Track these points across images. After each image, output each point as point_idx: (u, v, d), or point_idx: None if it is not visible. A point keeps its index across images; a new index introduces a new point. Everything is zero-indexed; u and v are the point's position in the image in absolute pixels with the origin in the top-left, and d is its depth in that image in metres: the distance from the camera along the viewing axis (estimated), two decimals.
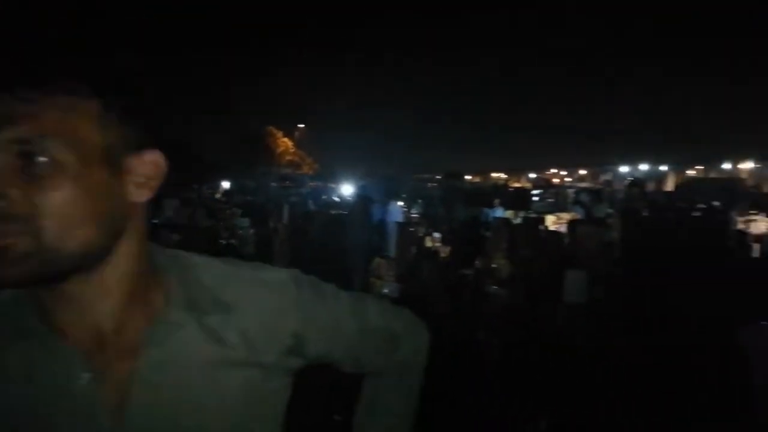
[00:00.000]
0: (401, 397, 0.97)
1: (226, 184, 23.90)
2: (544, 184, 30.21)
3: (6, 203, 0.56)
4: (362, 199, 11.43)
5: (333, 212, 9.84)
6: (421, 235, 10.23)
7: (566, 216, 10.80)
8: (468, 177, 38.54)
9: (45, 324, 0.66)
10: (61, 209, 0.58)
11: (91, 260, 0.63)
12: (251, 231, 10.36)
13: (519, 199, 17.27)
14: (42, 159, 0.57)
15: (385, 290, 4.88)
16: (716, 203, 13.34)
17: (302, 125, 40.29)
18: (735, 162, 30.80)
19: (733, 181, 24.32)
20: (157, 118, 0.70)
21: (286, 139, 38.49)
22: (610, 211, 11.48)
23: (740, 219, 11.47)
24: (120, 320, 0.68)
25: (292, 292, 0.78)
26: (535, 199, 18.58)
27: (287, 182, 26.35)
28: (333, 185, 23.07)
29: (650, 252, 7.42)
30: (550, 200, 18.00)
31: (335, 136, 40.66)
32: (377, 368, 0.94)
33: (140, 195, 0.66)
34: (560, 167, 44.23)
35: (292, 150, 38.66)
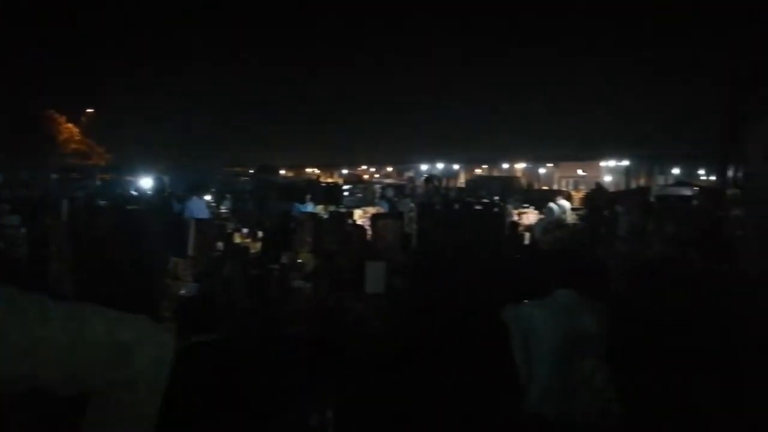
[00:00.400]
0: (132, 420, 0.84)
1: None
2: (354, 179, 31.49)
3: None
4: (160, 193, 10.61)
5: (126, 208, 8.92)
6: (229, 231, 9.87)
7: (372, 210, 11.38)
8: (282, 172, 38.34)
9: None
10: None
11: None
12: (22, 230, 8.87)
13: (330, 194, 17.77)
14: None
15: (182, 291, 4.56)
16: (496, 198, 15.33)
17: (91, 109, 35.52)
18: (511, 162, 35.82)
19: (510, 178, 28.28)
20: None
21: (70, 125, 33.60)
22: (413, 205, 12.43)
23: (515, 211, 13.38)
24: None
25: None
26: (346, 194, 19.28)
27: (73, 174, 23.14)
28: (129, 178, 20.93)
29: (442, 242, 8.22)
30: (359, 195, 18.83)
31: (132, 123, 36.74)
32: (101, 388, 0.82)
33: None
34: (370, 164, 46.50)
35: (78, 137, 33.90)
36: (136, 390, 0.82)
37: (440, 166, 36.51)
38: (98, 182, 21.11)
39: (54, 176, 20.63)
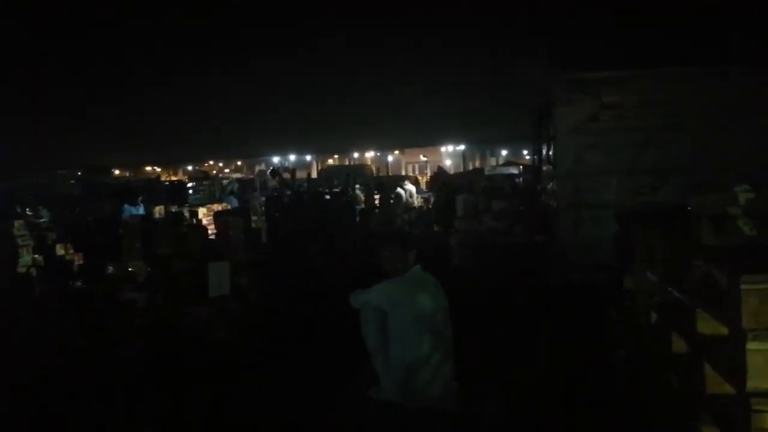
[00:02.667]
0: None
1: None
2: (200, 175, 29.67)
3: None
4: None
5: None
6: (50, 242, 8.68)
7: (217, 207, 10.78)
8: (117, 172, 34.74)
9: None
10: None
11: None
12: None
13: (173, 194, 16.50)
14: None
15: None
16: (347, 186, 15.45)
17: None
18: (361, 151, 36.59)
19: (361, 166, 28.84)
20: None
21: None
22: (263, 199, 12.03)
23: (363, 198, 13.66)
24: None
25: None
26: (191, 192, 18.07)
27: None
28: None
29: (292, 234, 8.07)
30: (204, 192, 17.77)
31: None
32: None
33: None
34: (218, 159, 44.20)
35: None
36: None
37: (292, 157, 36.00)
38: None
39: None
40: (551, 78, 5.89)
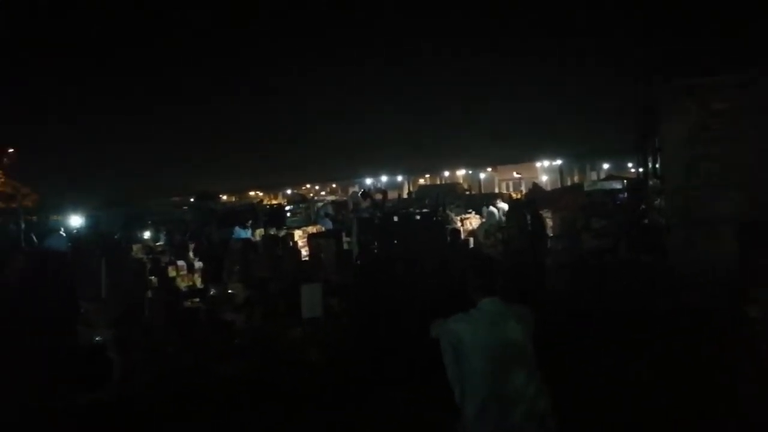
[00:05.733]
0: None
1: None
2: (298, 199, 31.00)
3: None
4: (93, 231, 10.07)
5: (37, 251, 8.34)
6: (163, 265, 9.39)
7: (312, 229, 11.13)
8: (224, 197, 37.30)
9: None
10: None
11: None
12: None
13: (274, 217, 17.33)
14: None
15: (98, 338, 4.20)
16: (439, 206, 15.38)
17: (12, 150, 33.53)
18: (452, 169, 36.35)
19: (452, 185, 28.64)
20: None
21: None
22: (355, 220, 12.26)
23: (458, 217, 13.46)
24: None
25: None
26: (289, 215, 18.88)
27: None
28: (57, 218, 19.73)
29: (382, 255, 8.07)
30: (301, 214, 18.47)
31: (59, 161, 34.90)
32: None
33: None
34: (314, 182, 46.04)
35: (1, 180, 31.94)
36: None
37: (384, 178, 36.59)
38: (23, 224, 19.81)
39: None
40: (656, 86, 5.48)
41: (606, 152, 27.65)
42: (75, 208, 19.90)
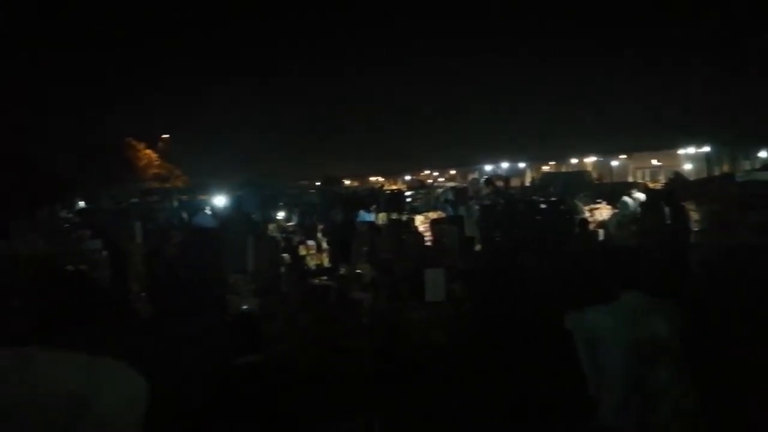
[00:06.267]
0: None
1: (82, 203, 21.63)
2: (417, 185, 31.34)
3: None
4: (237, 210, 11.11)
5: (196, 227, 9.32)
6: (294, 244, 10.08)
7: (433, 215, 11.23)
8: (347, 182, 38.87)
9: None
10: None
11: None
12: (104, 253, 9.47)
13: (393, 202, 17.76)
14: None
15: (244, 306, 4.65)
16: (565, 195, 14.67)
17: (166, 135, 37.82)
18: (580, 156, 34.34)
19: (579, 173, 27.06)
20: None
21: (149, 152, 35.89)
22: (477, 207, 12.18)
23: (586, 208, 12.75)
24: None
25: None
26: (409, 200, 19.18)
27: (153, 197, 24.54)
28: (204, 197, 21.90)
29: (505, 243, 7.94)
30: (421, 200, 18.69)
31: (205, 146, 38.72)
32: None
33: None
34: (433, 168, 46.23)
35: (157, 162, 36.15)
36: None
37: (505, 165, 35.66)
38: (176, 203, 22.25)
39: (134, 200, 21.97)
40: None
41: (763, 139, 24.40)
42: (219, 188, 21.94)
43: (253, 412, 2.20)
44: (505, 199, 11.11)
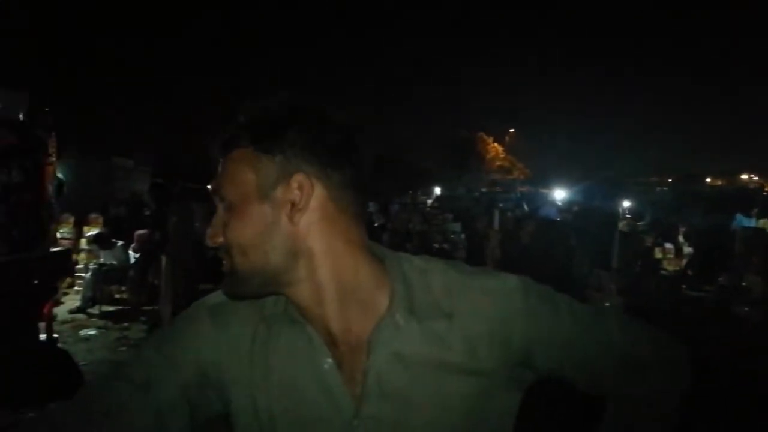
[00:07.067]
0: (652, 423, 0.86)
1: (437, 190, 24.77)
2: None
3: (219, 239, 0.75)
4: (587, 205, 10.92)
5: (545, 217, 9.48)
6: (648, 245, 9.21)
7: None
8: (708, 180, 33.35)
9: (301, 315, 0.78)
10: (235, 240, 0.73)
11: (275, 277, 0.75)
12: (462, 236, 10.56)
13: None
14: (225, 203, 0.74)
15: (606, 304, 4.51)
16: None
17: (513, 130, 39.64)
18: None
19: None
20: (309, 146, 0.74)
21: (496, 145, 38.27)
22: None
23: None
24: (344, 321, 0.75)
25: (518, 301, 0.76)
26: None
27: (497, 187, 26.16)
28: (544, 190, 22.14)
29: None
30: None
31: (548, 140, 39.04)
32: (618, 392, 0.84)
33: (296, 218, 0.73)
34: None
35: (503, 155, 38.28)
36: (655, 401, 0.84)
37: None
38: (518, 194, 23.22)
39: (483, 190, 23.81)
40: None
41: None
42: (559, 181, 21.85)
43: None
44: None
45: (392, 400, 0.72)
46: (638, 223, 13.25)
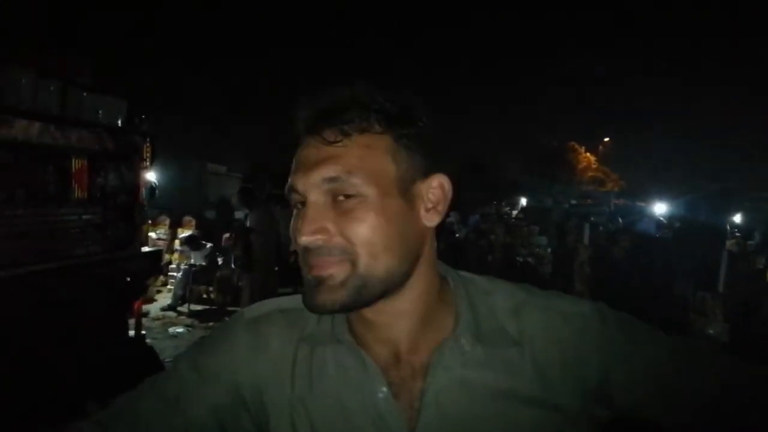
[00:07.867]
0: None
1: (523, 201, 24.03)
2: None
3: (325, 236, 0.63)
4: (690, 220, 10.10)
5: (642, 232, 8.86)
6: (761, 267, 8.36)
7: None
8: None
9: (352, 335, 0.72)
10: (368, 238, 0.63)
11: (393, 285, 0.66)
12: (549, 250, 10.13)
13: None
14: (349, 194, 0.63)
15: (710, 331, 4.04)
16: None
17: (607, 139, 37.63)
18: None
19: None
20: (441, 144, 0.69)
21: (588, 155, 36.51)
22: None
23: None
24: (414, 340, 0.70)
25: (594, 328, 0.69)
26: None
27: (588, 200, 24.95)
28: (641, 203, 20.75)
29: None
30: None
31: (645, 150, 36.68)
32: None
33: (430, 219, 0.68)
34: None
35: (595, 166, 36.42)
36: None
37: None
38: (611, 208, 21.93)
39: (573, 202, 22.78)
40: None
41: None
42: (659, 194, 20.38)
43: None
44: None
45: (451, 427, 0.66)
46: (748, 242, 12.05)
